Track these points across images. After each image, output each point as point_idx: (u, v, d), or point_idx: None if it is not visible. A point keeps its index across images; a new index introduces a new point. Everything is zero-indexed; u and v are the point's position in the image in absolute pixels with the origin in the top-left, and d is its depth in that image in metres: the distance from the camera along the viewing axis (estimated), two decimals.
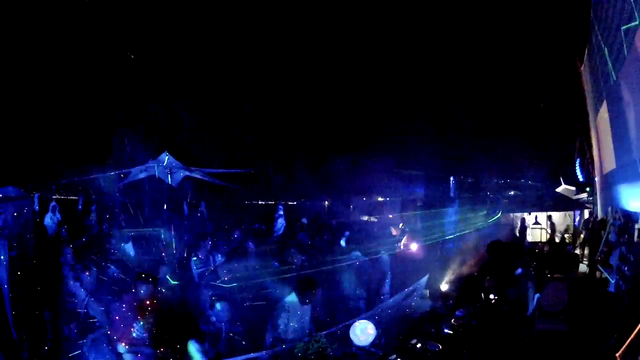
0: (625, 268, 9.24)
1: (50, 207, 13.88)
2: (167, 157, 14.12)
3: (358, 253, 9.61)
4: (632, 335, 5.68)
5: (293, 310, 6.21)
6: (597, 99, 13.40)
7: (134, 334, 5.81)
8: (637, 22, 7.20)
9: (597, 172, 14.81)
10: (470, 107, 22.14)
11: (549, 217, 21.30)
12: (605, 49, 11.01)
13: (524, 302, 5.85)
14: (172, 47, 16.98)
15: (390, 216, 19.82)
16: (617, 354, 5.86)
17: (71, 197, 17.31)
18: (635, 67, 8.11)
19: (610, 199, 12.91)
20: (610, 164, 12.12)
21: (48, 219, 13.66)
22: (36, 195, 15.06)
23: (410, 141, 21.51)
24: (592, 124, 15.31)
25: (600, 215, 15.25)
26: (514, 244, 9.57)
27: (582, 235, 18.91)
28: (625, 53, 8.87)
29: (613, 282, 9.94)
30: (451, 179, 11.47)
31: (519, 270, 5.88)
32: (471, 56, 20.26)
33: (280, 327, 6.07)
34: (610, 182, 12.57)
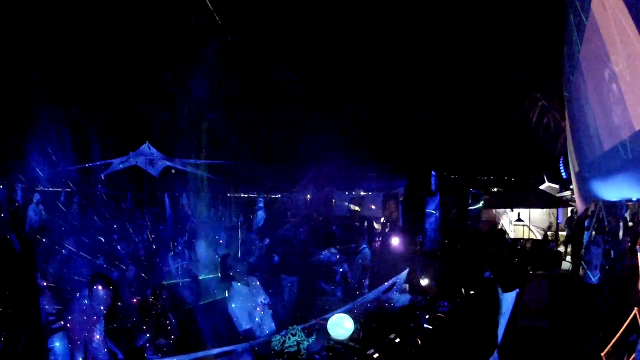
0: (608, 266, 9.30)
1: (35, 200, 13.71)
2: (148, 148, 13.99)
3: (332, 249, 9.60)
4: (617, 335, 5.67)
5: (243, 295, 6.18)
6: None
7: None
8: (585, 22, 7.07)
9: (571, 170, 14.95)
10: (454, 102, 22.19)
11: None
12: (567, 47, 10.98)
13: (497, 304, 5.82)
14: (153, 40, 16.75)
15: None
16: (602, 354, 5.84)
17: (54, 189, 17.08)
18: (580, 68, 8.05)
19: (580, 197, 13.01)
20: (574, 163, 12.24)
21: (31, 211, 13.50)
22: (19, 186, 14.84)
23: (393, 134, 21.49)
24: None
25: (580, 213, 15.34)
26: (491, 233, 9.61)
27: (564, 233, 19.04)
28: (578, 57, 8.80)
29: (595, 279, 9.99)
30: (432, 172, 11.41)
31: (487, 274, 5.87)
32: (460, 50, 20.26)
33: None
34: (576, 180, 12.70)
